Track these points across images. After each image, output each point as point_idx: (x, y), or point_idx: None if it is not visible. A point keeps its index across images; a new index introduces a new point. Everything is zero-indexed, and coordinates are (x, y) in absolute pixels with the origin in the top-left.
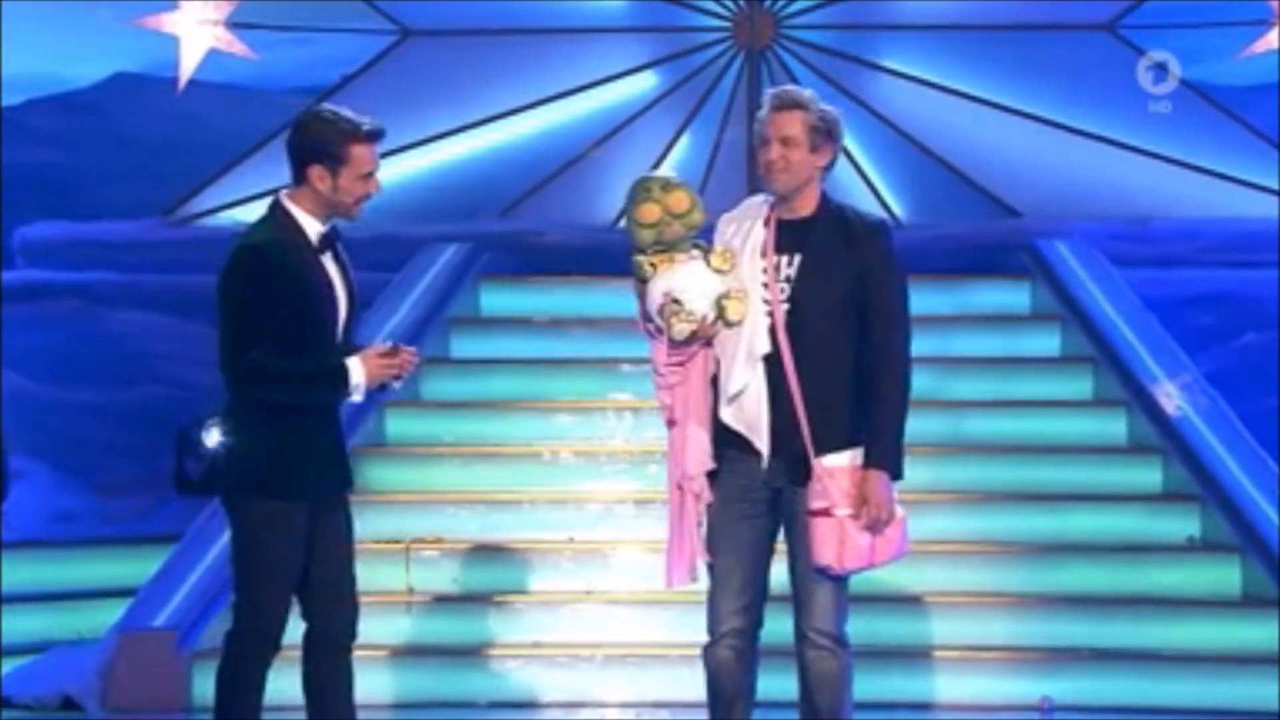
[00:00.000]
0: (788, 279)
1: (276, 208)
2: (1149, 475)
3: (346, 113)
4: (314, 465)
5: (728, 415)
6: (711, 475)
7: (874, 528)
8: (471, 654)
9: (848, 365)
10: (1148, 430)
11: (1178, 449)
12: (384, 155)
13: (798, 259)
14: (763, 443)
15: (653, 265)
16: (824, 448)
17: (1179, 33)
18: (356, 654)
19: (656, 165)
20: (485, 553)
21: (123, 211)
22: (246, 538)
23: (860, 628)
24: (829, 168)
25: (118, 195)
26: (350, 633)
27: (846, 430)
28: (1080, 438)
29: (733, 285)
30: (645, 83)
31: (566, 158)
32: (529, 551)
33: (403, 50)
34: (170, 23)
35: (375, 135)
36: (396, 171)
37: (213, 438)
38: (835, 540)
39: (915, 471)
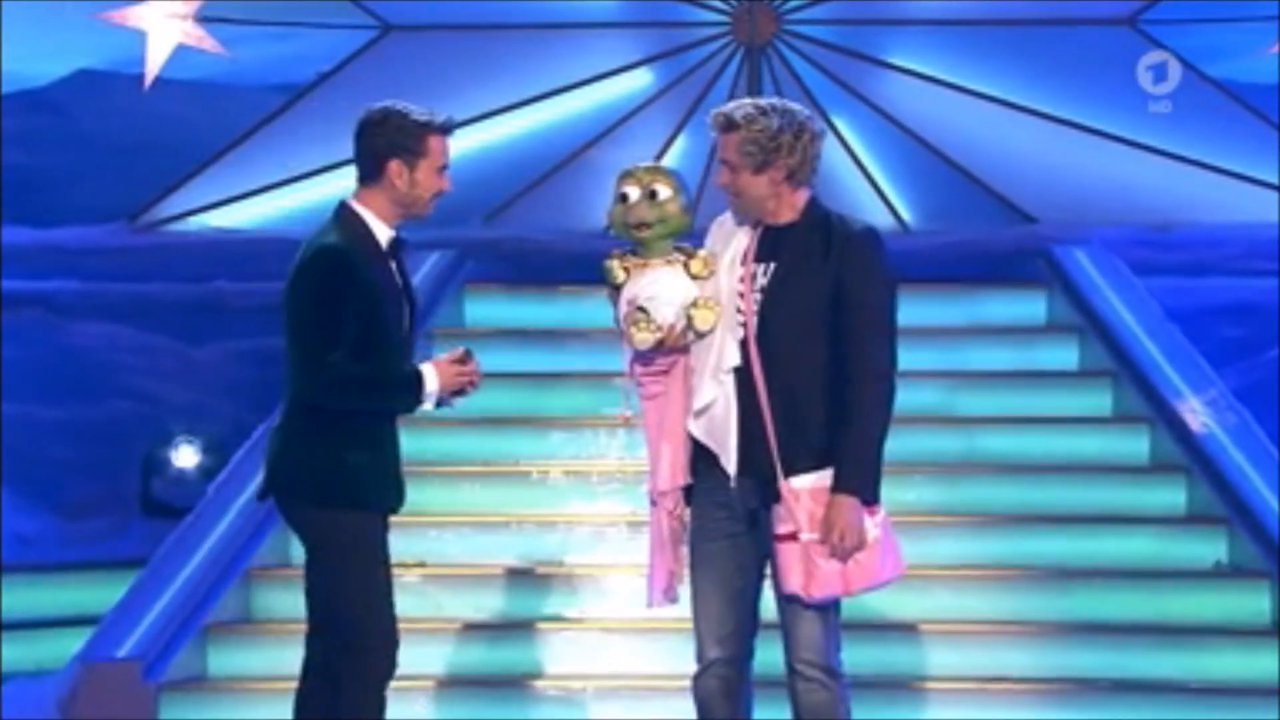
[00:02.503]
0: (761, 289)
1: (345, 210)
2: (1173, 496)
3: (415, 106)
4: (386, 476)
5: (697, 430)
6: (691, 491)
7: (840, 555)
8: (456, 685)
9: (821, 381)
10: (1171, 448)
11: (1203, 468)
12: None
13: (772, 268)
14: (730, 461)
15: (624, 270)
16: (793, 468)
17: (1202, 28)
18: None
19: None
20: (471, 578)
21: (86, 216)
22: (333, 556)
23: (866, 657)
24: (797, 176)
25: (81, 199)
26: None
27: (818, 450)
28: (1100, 456)
29: (706, 293)
30: (640, 80)
31: (556, 159)
32: (517, 576)
33: (384, 46)
34: (136, 17)
35: (449, 128)
36: None
37: (182, 456)
38: (801, 567)
39: (925, 491)
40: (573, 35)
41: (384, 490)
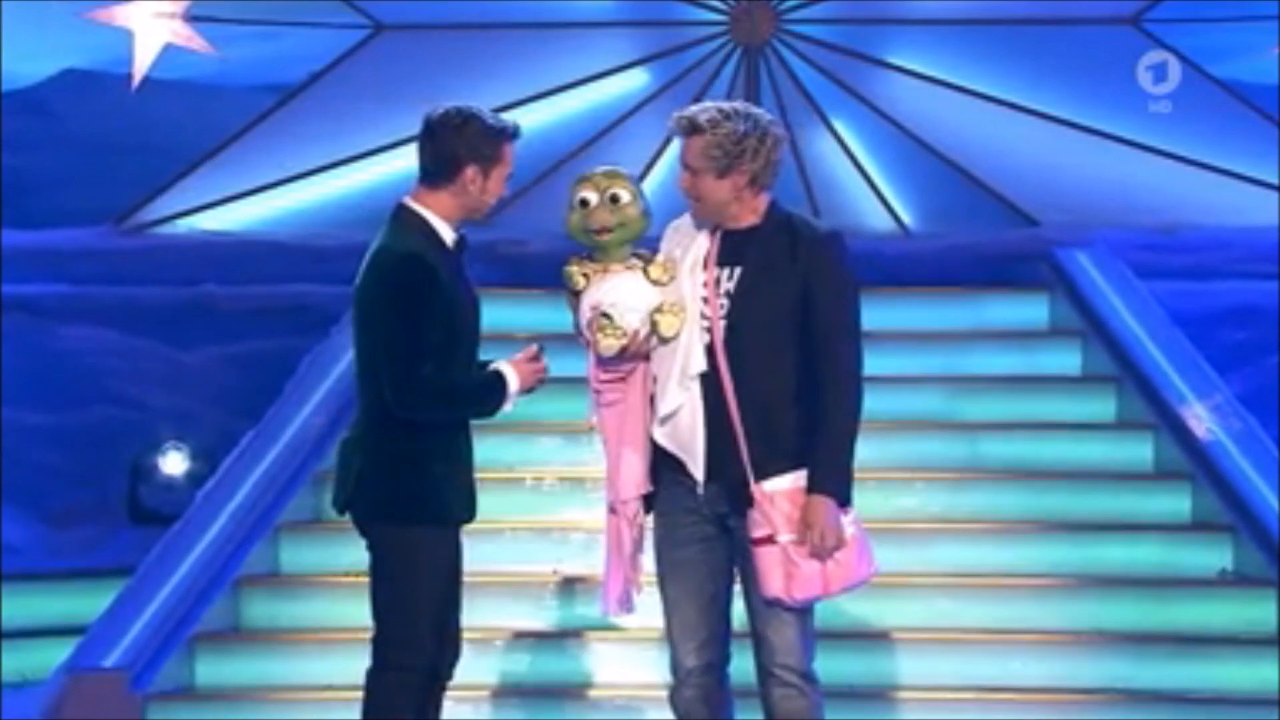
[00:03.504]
0: (727, 293)
1: (408, 214)
2: (1177, 503)
3: (484, 110)
4: (463, 487)
5: (661, 437)
6: (654, 499)
7: (819, 555)
8: (453, 691)
9: (791, 385)
10: (1176, 455)
11: (1208, 475)
12: (356, 159)
13: (738, 272)
14: (697, 468)
15: (585, 276)
16: (765, 472)
17: (1206, 27)
18: (321, 696)
19: (648, 169)
20: (466, 585)
21: (73, 219)
22: (401, 567)
23: (866, 666)
24: (759, 181)
25: (67, 201)
26: (449, 672)
27: (790, 453)
28: (1103, 463)
29: (669, 298)
30: (636, 81)
31: (551, 161)
32: (510, 584)
33: (376, 46)
34: (123, 16)
35: (519, 134)
36: (368, 176)
37: (170, 463)
38: (781, 570)
39: (926, 498)
40: (568, 35)
41: (463, 501)
